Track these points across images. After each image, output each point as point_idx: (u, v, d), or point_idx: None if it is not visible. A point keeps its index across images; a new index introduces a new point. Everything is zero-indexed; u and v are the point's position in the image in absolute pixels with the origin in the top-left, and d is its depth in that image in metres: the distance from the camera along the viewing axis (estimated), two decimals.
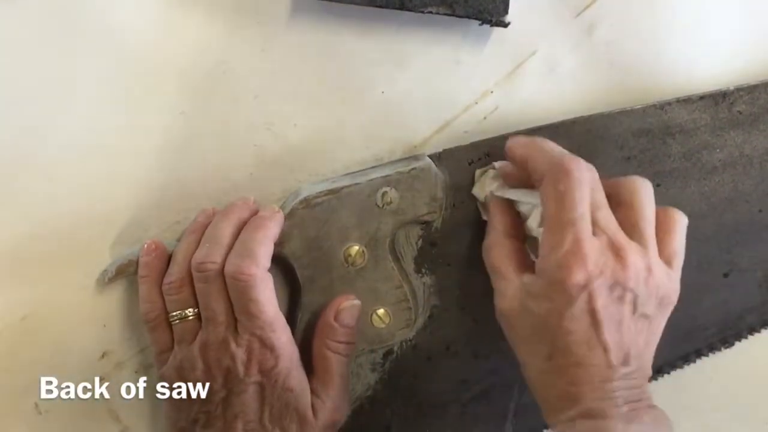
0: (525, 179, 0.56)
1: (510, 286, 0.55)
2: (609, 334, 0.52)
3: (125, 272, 0.60)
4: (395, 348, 0.63)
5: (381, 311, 0.61)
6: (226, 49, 0.61)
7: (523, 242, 0.58)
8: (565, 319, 0.52)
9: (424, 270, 0.63)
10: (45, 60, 0.59)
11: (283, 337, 0.56)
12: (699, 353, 0.67)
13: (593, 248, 0.51)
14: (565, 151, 0.55)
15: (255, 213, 0.59)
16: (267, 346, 0.56)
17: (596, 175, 0.54)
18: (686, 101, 0.64)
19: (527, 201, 0.57)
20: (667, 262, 0.54)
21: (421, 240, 0.62)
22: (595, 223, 0.52)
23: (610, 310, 0.52)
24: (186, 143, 0.61)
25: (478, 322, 0.63)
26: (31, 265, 0.60)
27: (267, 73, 0.61)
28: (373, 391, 0.64)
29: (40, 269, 0.60)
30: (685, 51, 0.66)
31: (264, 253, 0.56)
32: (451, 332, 0.63)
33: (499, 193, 0.59)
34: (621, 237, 0.52)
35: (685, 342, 0.66)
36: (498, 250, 0.57)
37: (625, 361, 0.52)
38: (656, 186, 0.63)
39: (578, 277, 0.51)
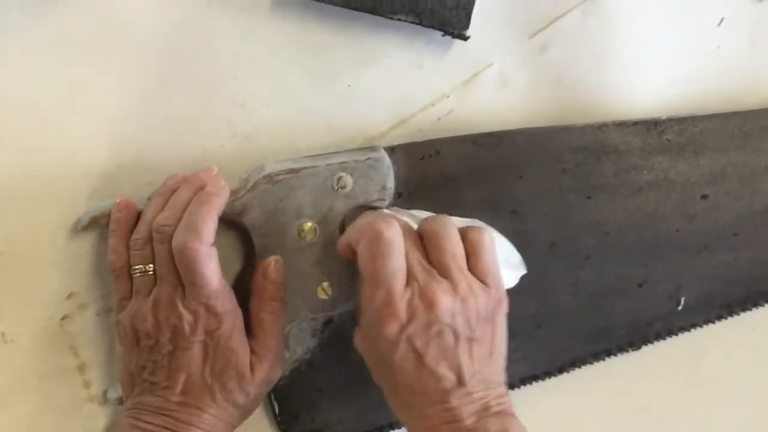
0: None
1: (360, 324, 0.61)
2: (436, 366, 0.58)
3: (97, 223, 0.64)
4: (335, 317, 0.67)
5: (326, 284, 0.65)
6: (211, 31, 0.65)
7: None
8: (394, 360, 0.58)
9: None
10: (35, 25, 0.63)
11: (227, 304, 0.60)
12: (609, 352, 0.72)
13: (403, 300, 0.57)
14: (378, 215, 0.61)
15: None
16: (212, 312, 0.59)
17: (408, 226, 0.60)
18: (621, 125, 0.69)
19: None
20: (483, 280, 0.60)
21: None
22: (409, 272, 0.58)
23: (431, 346, 0.57)
24: (166, 111, 0.65)
25: None
26: (11, 206, 0.64)
27: (246, 56, 0.66)
28: (311, 354, 0.67)
29: (19, 211, 0.64)
30: (625, 79, 0.71)
31: (208, 228, 0.59)
32: None
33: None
34: (431, 282, 0.58)
35: (597, 341, 0.71)
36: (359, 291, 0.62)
37: (460, 382, 0.58)
38: (587, 198, 0.69)
39: (392, 328, 0.57)
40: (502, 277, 0.61)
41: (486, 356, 0.59)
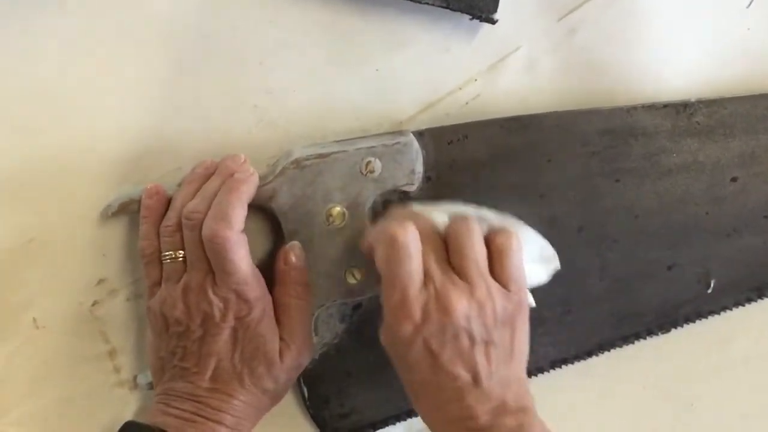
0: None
1: (383, 322, 0.61)
2: (451, 366, 0.58)
3: (127, 209, 0.64)
4: (364, 302, 0.67)
5: (354, 268, 0.65)
6: (237, 17, 0.65)
7: None
8: (411, 359, 0.59)
9: None
10: (62, 12, 0.64)
11: (257, 290, 0.61)
12: (638, 336, 0.72)
13: (418, 302, 0.58)
14: (398, 218, 0.61)
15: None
16: (242, 298, 0.60)
17: (430, 228, 0.60)
18: (651, 107, 0.69)
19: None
20: (505, 285, 0.60)
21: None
22: (426, 274, 0.58)
23: (447, 348, 0.58)
24: (193, 98, 0.66)
25: None
26: (40, 193, 0.65)
27: (273, 41, 0.66)
28: (340, 339, 0.68)
29: (48, 198, 0.65)
30: (654, 61, 0.71)
31: (237, 215, 0.60)
32: None
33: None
34: (447, 285, 0.58)
35: (626, 325, 0.71)
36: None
37: (476, 383, 0.58)
38: (616, 182, 0.69)
39: (406, 329, 0.58)
40: (525, 281, 0.61)
41: (505, 359, 0.60)
